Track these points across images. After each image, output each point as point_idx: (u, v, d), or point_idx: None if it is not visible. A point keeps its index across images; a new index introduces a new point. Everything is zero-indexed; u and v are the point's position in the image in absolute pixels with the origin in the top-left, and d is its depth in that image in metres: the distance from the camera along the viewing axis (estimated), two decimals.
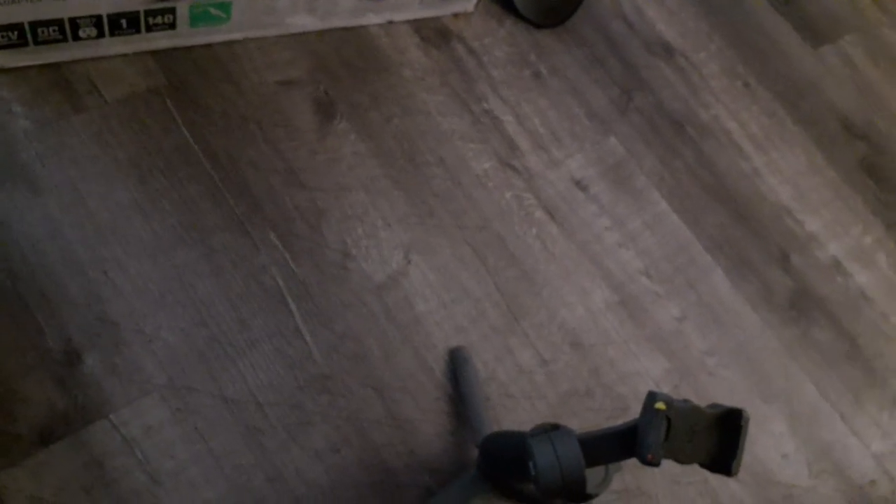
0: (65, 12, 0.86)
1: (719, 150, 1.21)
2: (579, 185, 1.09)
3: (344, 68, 1.05)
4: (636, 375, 0.98)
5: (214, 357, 0.83)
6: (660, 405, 0.56)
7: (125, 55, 0.95)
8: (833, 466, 1.00)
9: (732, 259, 1.11)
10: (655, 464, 0.55)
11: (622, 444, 0.58)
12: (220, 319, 0.85)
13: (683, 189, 1.15)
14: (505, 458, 0.73)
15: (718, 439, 0.59)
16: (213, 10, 0.95)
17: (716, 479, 0.94)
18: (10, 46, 0.87)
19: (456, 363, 0.91)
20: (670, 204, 1.13)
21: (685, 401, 0.59)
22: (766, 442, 0.99)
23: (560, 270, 1.02)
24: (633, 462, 0.92)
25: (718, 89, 1.27)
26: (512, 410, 0.91)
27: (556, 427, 0.65)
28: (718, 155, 1.20)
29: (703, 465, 0.60)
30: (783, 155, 1.25)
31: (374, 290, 0.92)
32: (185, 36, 0.97)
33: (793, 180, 1.23)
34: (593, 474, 0.66)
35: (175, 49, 0.98)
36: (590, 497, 0.68)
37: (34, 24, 0.86)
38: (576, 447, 0.58)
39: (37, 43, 0.88)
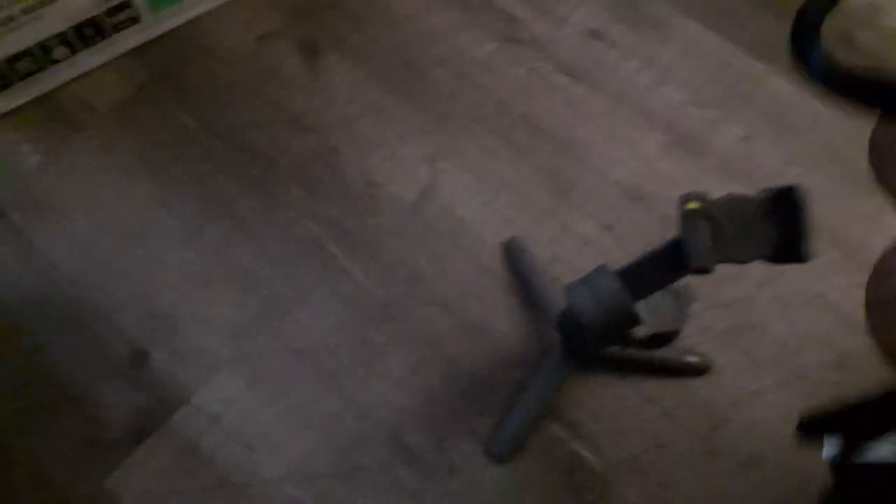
0: (31, 40, 0.87)
1: None
2: (594, 34, 1.01)
3: (316, 3, 1.01)
4: None
5: (272, 317, 0.83)
6: (692, 204, 0.49)
7: (104, 64, 0.95)
8: None
9: (788, 57, 0.99)
10: (706, 270, 0.49)
11: (668, 262, 0.52)
12: (267, 281, 0.84)
13: (712, 2, 1.04)
14: (575, 326, 0.68)
15: (777, 226, 0.51)
16: None
17: (835, 293, 0.85)
18: None
19: (511, 255, 0.86)
20: (702, 22, 1.03)
21: (729, 194, 0.53)
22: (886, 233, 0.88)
23: (599, 129, 0.95)
24: (735, 296, 0.85)
25: None
26: None
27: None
28: None
29: (769, 260, 0.53)
30: None
31: (410, 210, 0.89)
32: (153, 26, 0.96)
33: None
34: (659, 310, 0.60)
35: (148, 43, 0.97)
36: (669, 335, 0.63)
37: (9, 61, 0.88)
38: (613, 281, 0.53)
39: (19, 79, 0.90)
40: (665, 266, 0.52)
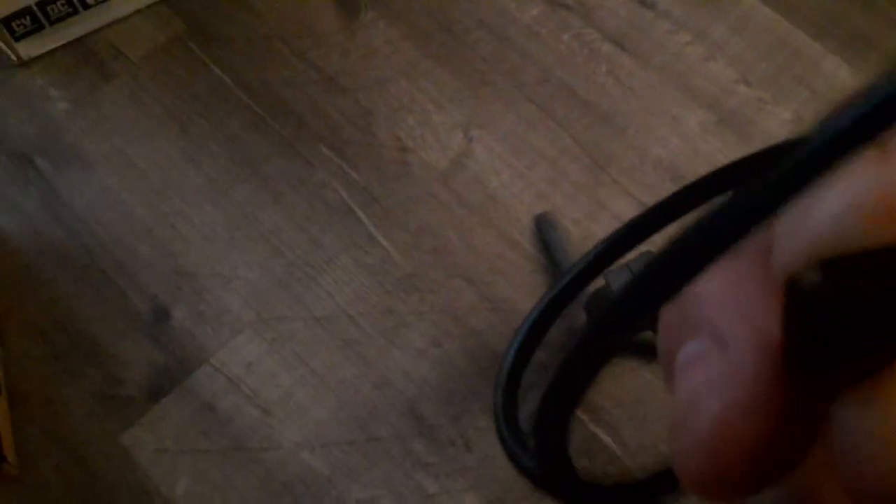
0: None
1: None
2: (644, 3, 0.96)
3: None
4: None
5: (296, 282, 0.81)
6: None
7: (139, 11, 0.93)
8: None
9: (844, 38, 0.94)
10: None
11: None
12: (293, 244, 0.83)
13: None
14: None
15: None
16: None
17: None
18: (28, 34, 0.88)
19: (542, 230, 0.84)
20: None
21: None
22: None
23: (642, 104, 0.91)
24: None
25: None
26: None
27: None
28: None
29: None
30: None
31: (441, 179, 0.87)
32: None
33: None
34: None
35: None
36: None
37: (40, 5, 0.86)
38: None
39: (51, 23, 0.88)
40: None
